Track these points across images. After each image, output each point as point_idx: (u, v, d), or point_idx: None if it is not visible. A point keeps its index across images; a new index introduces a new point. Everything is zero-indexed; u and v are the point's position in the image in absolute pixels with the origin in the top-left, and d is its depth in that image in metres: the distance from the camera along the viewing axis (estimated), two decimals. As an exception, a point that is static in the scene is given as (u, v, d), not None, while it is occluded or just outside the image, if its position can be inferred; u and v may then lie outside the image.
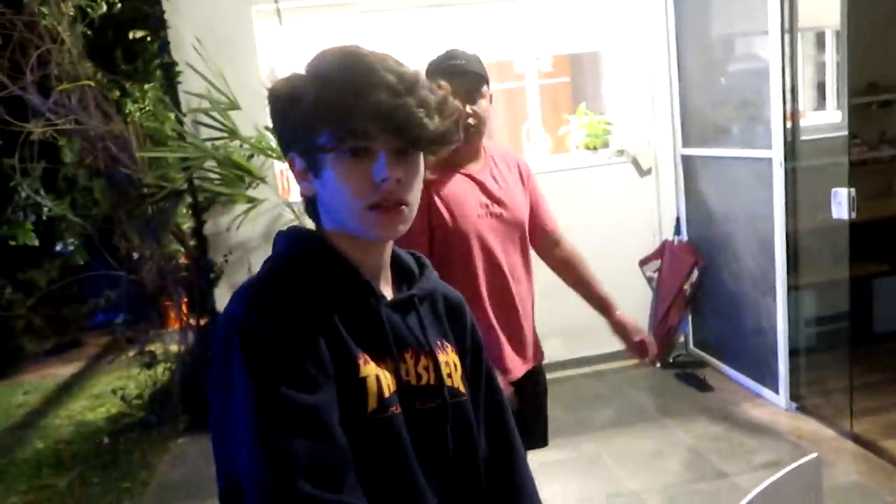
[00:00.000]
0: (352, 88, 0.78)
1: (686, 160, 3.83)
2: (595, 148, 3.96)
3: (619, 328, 1.88)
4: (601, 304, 1.91)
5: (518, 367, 1.82)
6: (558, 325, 3.93)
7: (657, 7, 3.75)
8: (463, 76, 1.68)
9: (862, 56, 3.69)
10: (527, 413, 1.88)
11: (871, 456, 2.75)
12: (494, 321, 1.77)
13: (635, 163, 3.90)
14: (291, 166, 0.87)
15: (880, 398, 3.12)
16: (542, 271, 1.94)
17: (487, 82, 1.75)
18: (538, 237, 1.92)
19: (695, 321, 3.98)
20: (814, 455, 1.25)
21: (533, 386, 1.90)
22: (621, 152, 3.93)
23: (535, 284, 1.89)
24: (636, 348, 1.88)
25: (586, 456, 2.95)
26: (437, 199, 1.72)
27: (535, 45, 3.82)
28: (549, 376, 1.98)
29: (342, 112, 0.78)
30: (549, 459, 1.90)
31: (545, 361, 1.95)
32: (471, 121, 1.70)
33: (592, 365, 3.86)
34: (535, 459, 1.80)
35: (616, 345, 3.92)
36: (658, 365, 3.89)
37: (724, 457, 2.87)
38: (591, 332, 3.80)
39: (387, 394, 0.82)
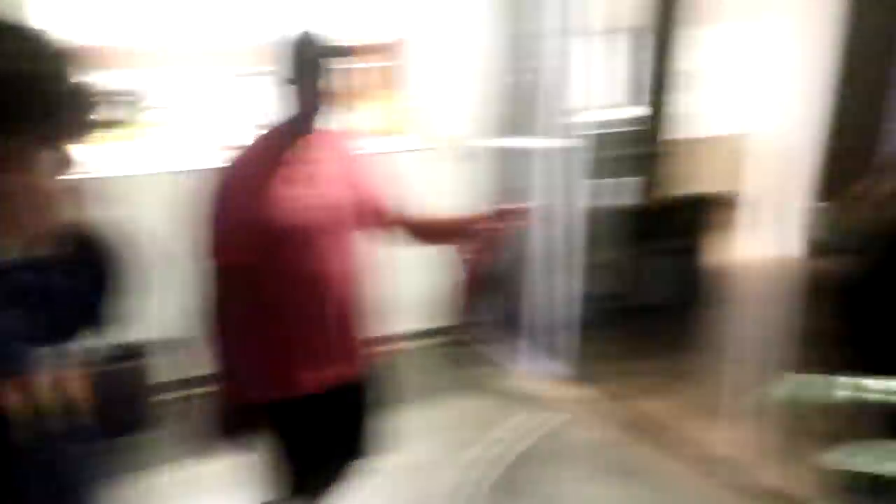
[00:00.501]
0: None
1: (495, 149, 4.00)
2: (406, 133, 4.01)
3: (477, 217, 1.73)
4: (459, 225, 1.80)
5: (314, 380, 1.66)
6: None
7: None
8: (326, 55, 1.55)
9: (669, 54, 4.05)
10: (341, 427, 1.80)
11: (627, 414, 3.19)
12: (293, 332, 1.63)
13: (447, 149, 4.00)
14: None
15: (644, 364, 3.62)
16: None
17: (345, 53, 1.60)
18: (380, 217, 1.76)
19: (493, 300, 4.13)
20: (564, 415, 1.46)
21: (352, 398, 1.78)
22: (433, 139, 4.00)
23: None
24: (508, 216, 1.70)
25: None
26: (232, 193, 1.55)
27: (349, 27, 3.76)
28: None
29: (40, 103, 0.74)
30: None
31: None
32: (334, 101, 1.58)
33: (391, 343, 4.02)
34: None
35: (403, 325, 4.04)
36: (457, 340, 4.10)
37: (495, 427, 3.11)
38: (394, 310, 3.95)
39: None
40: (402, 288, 3.92)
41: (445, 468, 2.87)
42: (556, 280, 3.60)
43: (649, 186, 4.11)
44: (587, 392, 3.44)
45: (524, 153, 3.74)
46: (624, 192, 3.19)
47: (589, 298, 3.64)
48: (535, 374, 3.69)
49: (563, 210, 3.48)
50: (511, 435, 3.04)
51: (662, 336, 3.89)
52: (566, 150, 3.39)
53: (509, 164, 3.95)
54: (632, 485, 2.74)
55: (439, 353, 4.08)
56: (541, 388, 3.54)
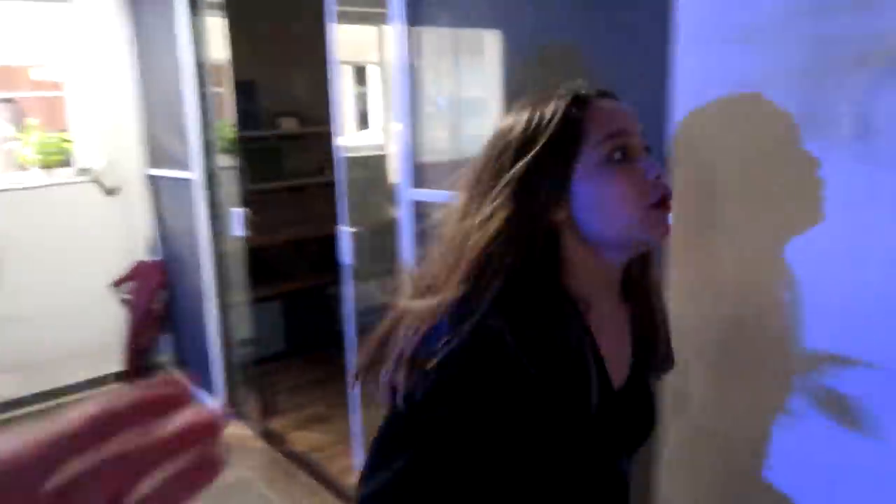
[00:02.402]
0: None
1: (153, 180, 3.85)
2: (52, 166, 3.69)
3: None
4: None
5: None
6: (10, 359, 3.52)
7: (118, 34, 3.72)
8: None
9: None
10: None
11: (272, 451, 3.17)
12: None
13: (99, 182, 3.76)
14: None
15: (298, 399, 3.64)
16: None
17: None
18: None
19: (171, 340, 4.01)
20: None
21: None
22: (84, 171, 3.74)
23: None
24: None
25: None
26: None
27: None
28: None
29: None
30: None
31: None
32: None
33: (55, 398, 3.59)
34: None
35: (79, 375, 3.67)
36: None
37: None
38: (51, 363, 3.54)
39: None
40: (71, 336, 3.50)
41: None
42: (207, 316, 3.47)
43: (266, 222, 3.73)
44: (238, 430, 3.34)
45: (177, 184, 3.57)
46: (239, 223, 3.17)
47: (243, 335, 3.54)
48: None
49: (206, 245, 3.38)
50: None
51: (313, 375, 3.93)
52: (199, 181, 3.32)
53: (169, 196, 3.78)
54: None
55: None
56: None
